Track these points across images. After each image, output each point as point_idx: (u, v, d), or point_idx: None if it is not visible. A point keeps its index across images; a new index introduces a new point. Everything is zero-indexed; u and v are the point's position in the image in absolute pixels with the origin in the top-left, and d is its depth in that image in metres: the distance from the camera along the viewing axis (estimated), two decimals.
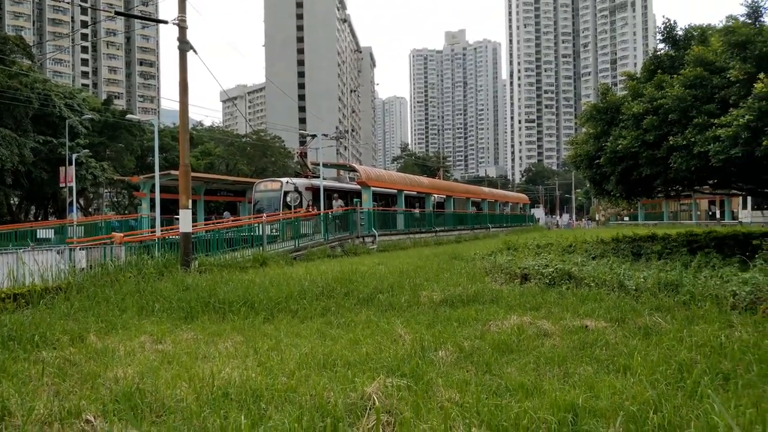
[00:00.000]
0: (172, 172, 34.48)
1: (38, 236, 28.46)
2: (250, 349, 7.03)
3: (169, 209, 34.94)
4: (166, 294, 10.44)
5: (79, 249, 14.35)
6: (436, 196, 40.33)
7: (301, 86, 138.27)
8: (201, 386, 5.14)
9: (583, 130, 18.72)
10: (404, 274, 12.91)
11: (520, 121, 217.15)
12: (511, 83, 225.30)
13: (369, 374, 5.45)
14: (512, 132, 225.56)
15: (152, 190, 34.20)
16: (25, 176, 49.78)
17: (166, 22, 16.87)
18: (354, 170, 32.93)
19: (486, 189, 59.09)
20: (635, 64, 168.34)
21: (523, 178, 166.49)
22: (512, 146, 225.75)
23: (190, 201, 16.97)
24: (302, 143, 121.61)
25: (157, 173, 24.07)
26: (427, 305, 9.44)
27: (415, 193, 37.39)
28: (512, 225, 53.28)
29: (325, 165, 29.98)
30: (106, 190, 70.07)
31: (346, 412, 4.42)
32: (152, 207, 34.27)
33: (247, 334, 7.90)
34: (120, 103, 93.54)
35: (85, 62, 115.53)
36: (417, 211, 36.04)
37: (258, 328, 8.40)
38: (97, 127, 56.65)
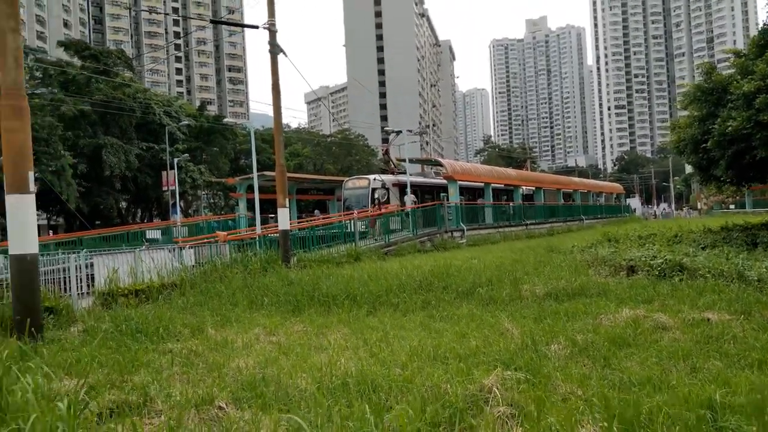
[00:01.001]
0: (267, 173, 35.85)
1: (147, 236, 30.47)
2: (359, 340, 7.19)
3: (262, 209, 36.40)
4: (272, 289, 10.88)
5: (188, 247, 15.23)
6: (524, 188, 39.40)
7: (382, 84, 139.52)
8: (320, 376, 5.31)
9: (686, 113, 17.66)
10: (501, 268, 12.70)
11: (609, 108, 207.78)
12: (598, 69, 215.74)
13: (483, 367, 5.41)
14: (601, 119, 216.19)
15: (248, 191, 35.76)
16: (131, 181, 53.51)
17: (257, 27, 17.50)
18: (440, 165, 32.82)
19: (577, 179, 57.05)
20: (735, 41, 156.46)
21: (616, 167, 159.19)
22: (602, 134, 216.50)
23: (287, 200, 17.57)
24: (385, 140, 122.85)
25: (255, 174, 25.04)
26: (530, 299, 9.25)
27: (502, 185, 36.72)
28: (607, 216, 51.10)
29: (411, 161, 30.08)
30: (203, 192, 73.92)
31: (466, 404, 4.42)
32: (249, 207, 35.87)
33: (353, 327, 8.08)
34: (212, 109, 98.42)
35: (178, 71, 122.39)
36: (505, 203, 35.41)
37: (362, 320, 8.57)
38: (194, 132, 59.83)
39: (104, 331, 7.81)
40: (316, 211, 36.82)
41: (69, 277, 11.92)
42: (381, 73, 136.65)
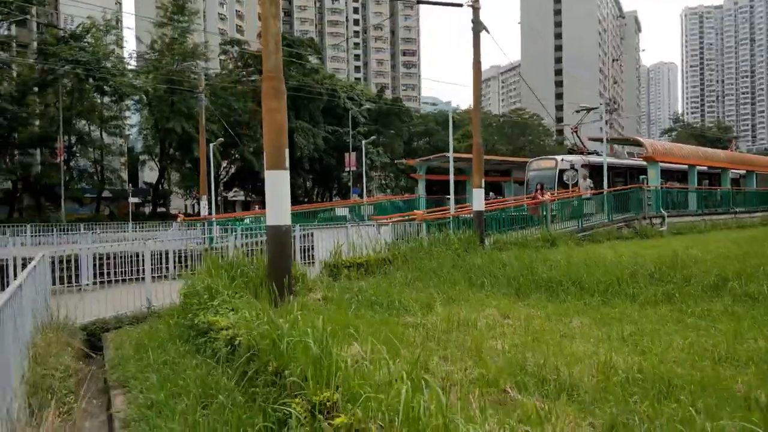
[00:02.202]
0: (446, 154, 36.09)
1: (337, 214, 32.31)
2: (604, 332, 6.68)
3: (431, 191, 36.65)
4: (487, 269, 10.69)
5: (391, 223, 15.68)
6: (732, 171, 34.92)
7: (558, 60, 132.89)
8: (596, 368, 4.95)
9: None
10: (735, 259, 11.21)
11: None
12: None
13: None
14: None
15: (427, 172, 36.27)
16: (318, 162, 57.21)
17: (460, 5, 17.27)
18: (638, 144, 30.23)
19: None
20: None
21: None
22: None
23: (482, 180, 17.31)
24: (560, 120, 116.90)
25: (451, 154, 24.99)
26: None
27: (705, 168, 32.89)
28: None
29: (610, 140, 28.04)
30: (376, 174, 76.83)
31: None
32: (428, 188, 36.39)
33: (591, 316, 7.57)
34: (387, 93, 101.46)
35: (357, 57, 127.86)
36: (712, 188, 31.69)
37: (598, 309, 8.01)
38: (372, 115, 62.14)
39: (346, 300, 8.18)
40: (491, 194, 36.17)
41: (293, 248, 12.84)
42: (558, 48, 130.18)
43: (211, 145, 30.04)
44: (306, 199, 58.84)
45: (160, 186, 51.68)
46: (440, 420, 2.84)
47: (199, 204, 63.79)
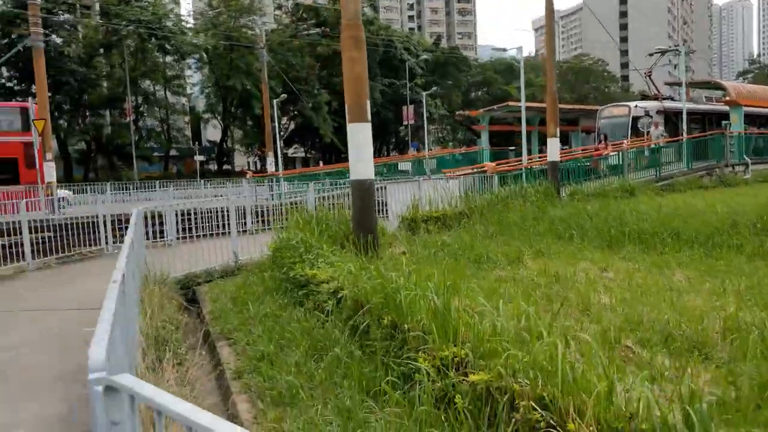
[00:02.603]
0: (510, 103, 34.97)
1: (399, 168, 32.13)
2: (712, 285, 6.30)
3: (491, 142, 35.69)
4: (570, 221, 10.31)
5: (462, 176, 15.35)
6: None
7: (623, 1, 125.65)
8: (722, 323, 4.64)
9: None
10: None
11: None
12: None
13: None
14: None
15: (490, 123, 35.34)
16: (375, 116, 56.71)
17: None
18: (721, 88, 28.37)
19: None
20: None
21: None
22: None
23: (557, 129, 16.64)
24: (624, 65, 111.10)
25: (523, 102, 24.13)
26: None
27: None
28: None
29: (689, 85, 26.38)
30: (432, 127, 75.69)
31: None
32: (491, 139, 35.53)
33: (696, 268, 7.16)
34: (442, 42, 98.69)
35: (410, 6, 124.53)
36: None
37: (702, 261, 7.58)
38: (429, 66, 60.70)
39: (432, 254, 8.06)
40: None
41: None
42: None
43: (274, 101, 30.12)
44: None
45: (224, 144, 52.66)
46: (603, 383, 2.65)
47: (261, 161, 65.00)
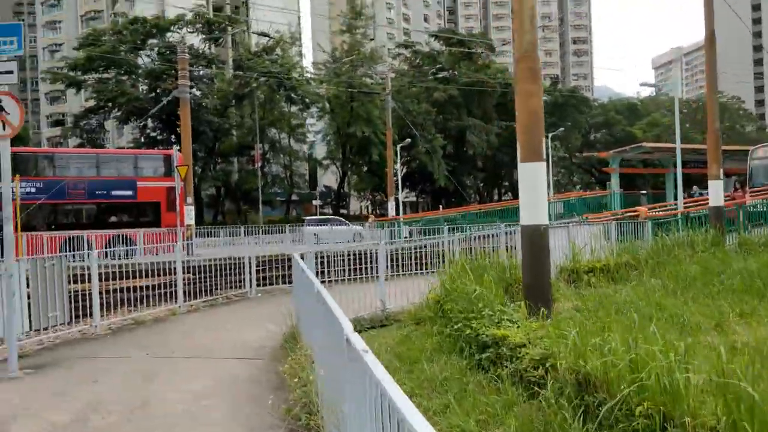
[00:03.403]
0: (645, 144, 32.75)
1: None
2: None
3: (628, 184, 33.38)
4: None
5: (604, 222, 14.05)
6: None
7: (757, 35, 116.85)
8: None
9: None
10: None
11: None
12: None
13: None
14: None
15: (621, 165, 33.18)
16: (490, 160, 55.81)
17: None
18: None
19: None
20: None
21: None
22: None
23: (721, 170, 14.91)
24: (760, 102, 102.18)
25: (678, 144, 22.26)
26: None
27: None
28: None
29: None
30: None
31: None
32: (621, 182, 33.29)
33: None
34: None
35: None
36: None
37: None
38: (547, 108, 59.09)
39: (613, 313, 7.00)
40: (694, 188, 32.02)
41: (497, 247, 11.86)
42: (756, 21, 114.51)
43: (398, 147, 30.22)
44: (478, 199, 57.70)
45: (341, 189, 53.97)
46: None
47: (373, 205, 65.90)
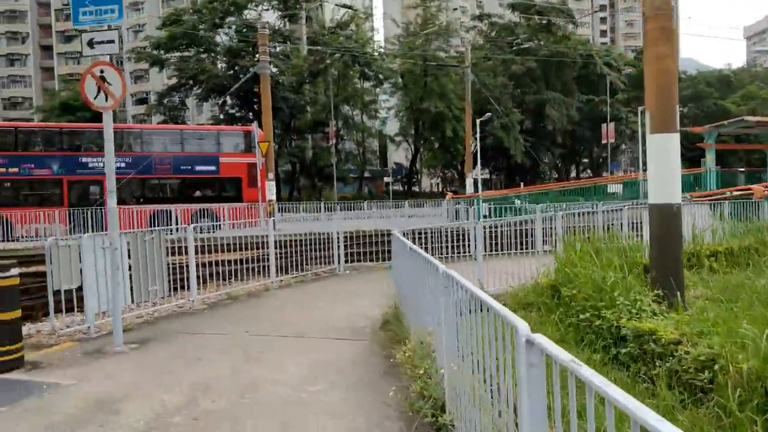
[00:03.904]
0: (746, 118, 30.19)
1: (608, 191, 29.31)
2: None
3: (718, 162, 30.96)
4: None
5: (711, 202, 12.86)
6: None
7: None
8: None
9: None
10: None
11: None
12: None
13: None
14: None
15: (717, 141, 30.82)
16: (569, 135, 53.50)
17: None
18: None
19: None
20: None
21: None
22: None
23: None
24: None
25: None
26: None
27: None
28: None
29: None
30: (625, 146, 69.69)
31: None
32: (718, 159, 30.98)
33: None
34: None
35: (602, 20, 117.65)
36: None
37: None
38: (632, 81, 55.91)
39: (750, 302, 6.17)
40: None
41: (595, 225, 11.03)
42: None
43: (478, 121, 29.30)
44: (556, 176, 55.65)
45: (413, 165, 53.44)
46: None
47: (443, 182, 64.92)
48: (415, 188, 57.10)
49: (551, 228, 10.71)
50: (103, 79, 6.02)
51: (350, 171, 51.19)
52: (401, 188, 57.30)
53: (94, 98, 6.03)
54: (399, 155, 68.30)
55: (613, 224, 11.47)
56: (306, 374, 5.26)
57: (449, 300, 3.98)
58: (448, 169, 60.69)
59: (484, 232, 10.47)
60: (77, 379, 5.13)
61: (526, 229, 11.25)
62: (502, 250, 9.97)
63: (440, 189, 59.81)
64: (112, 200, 6.15)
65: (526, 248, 10.78)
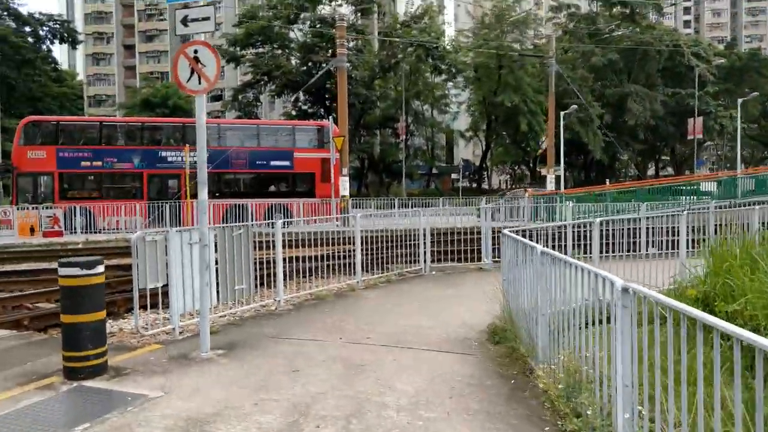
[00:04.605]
0: None
1: (701, 189, 27.22)
2: None
3: None
4: None
5: None
6: None
7: None
8: None
9: None
10: None
11: None
12: None
13: None
14: None
15: None
16: (651, 131, 50.52)
17: None
18: None
19: None
20: None
21: None
22: None
23: None
24: None
25: None
26: None
27: None
28: None
29: None
30: (712, 143, 65.42)
31: None
32: None
33: None
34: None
35: (686, 10, 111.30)
36: None
37: None
38: (722, 73, 52.26)
39: None
40: None
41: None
42: None
43: (562, 114, 27.83)
44: (637, 174, 52.73)
45: (483, 162, 52.08)
46: None
47: (512, 179, 62.98)
48: (485, 185, 55.63)
49: (664, 228, 9.56)
50: (196, 60, 5.50)
51: (419, 167, 50.40)
52: (468, 185, 55.94)
53: (187, 81, 5.52)
54: (466, 151, 66.85)
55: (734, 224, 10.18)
56: (414, 394, 4.54)
57: (627, 320, 3.15)
58: (518, 165, 58.78)
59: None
60: (164, 390, 4.62)
61: (634, 229, 10.15)
62: (613, 252, 8.92)
63: (509, 186, 58.02)
64: (203, 192, 5.62)
65: (635, 250, 9.67)
